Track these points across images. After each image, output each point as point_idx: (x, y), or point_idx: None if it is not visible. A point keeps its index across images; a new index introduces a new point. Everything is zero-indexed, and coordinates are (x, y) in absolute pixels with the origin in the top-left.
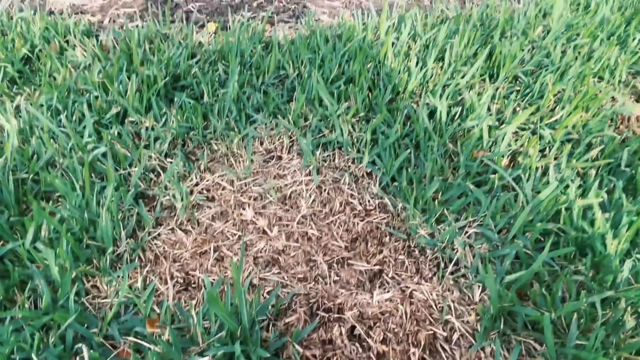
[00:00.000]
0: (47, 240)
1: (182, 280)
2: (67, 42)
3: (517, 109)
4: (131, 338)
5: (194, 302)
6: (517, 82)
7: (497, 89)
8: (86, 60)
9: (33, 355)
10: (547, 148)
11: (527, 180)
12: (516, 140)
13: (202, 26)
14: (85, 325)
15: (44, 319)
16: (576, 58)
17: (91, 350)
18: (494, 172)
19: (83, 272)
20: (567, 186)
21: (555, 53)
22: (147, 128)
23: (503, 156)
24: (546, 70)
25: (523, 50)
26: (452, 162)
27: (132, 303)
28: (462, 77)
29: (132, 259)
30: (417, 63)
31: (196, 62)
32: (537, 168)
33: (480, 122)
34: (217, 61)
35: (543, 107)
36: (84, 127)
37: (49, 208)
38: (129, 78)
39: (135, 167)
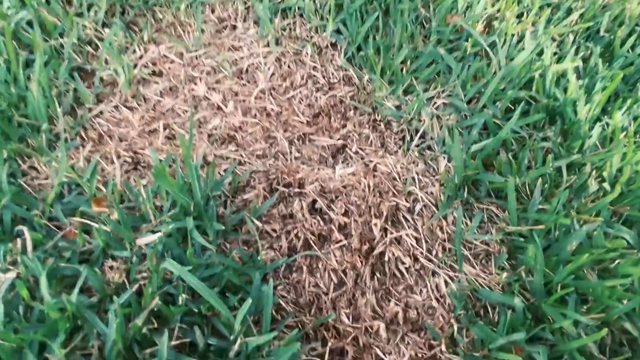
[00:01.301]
0: None
1: (130, 160)
2: None
3: None
4: (77, 218)
5: (143, 181)
6: None
7: None
8: None
9: None
10: (525, 13)
11: (502, 46)
12: (493, 4)
13: None
14: (26, 207)
15: None
16: None
17: (34, 232)
18: (467, 38)
19: (16, 151)
20: (542, 52)
21: None
22: None
23: (478, 21)
24: None
25: None
26: (424, 29)
27: (75, 183)
28: None
29: (72, 138)
30: None
31: None
32: (512, 35)
33: None
34: None
35: None
36: None
37: None
38: None
39: (68, 37)
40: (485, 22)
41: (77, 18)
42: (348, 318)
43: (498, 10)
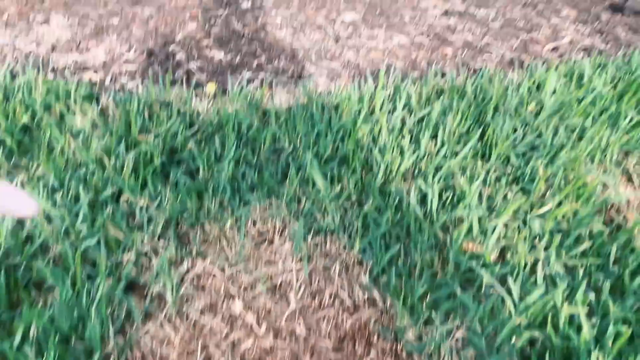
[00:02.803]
0: (35, 341)
1: None
2: (67, 107)
3: (509, 194)
4: None
5: None
6: (509, 163)
7: (488, 171)
8: (85, 127)
9: None
10: (538, 237)
11: (515, 279)
12: (505, 234)
13: (202, 86)
14: None
15: None
16: (568, 137)
17: None
18: (484, 264)
19: None
20: (556, 284)
21: (547, 133)
22: (141, 208)
23: (494, 250)
24: (538, 151)
25: (516, 130)
26: (442, 254)
27: None
28: (455, 155)
29: None
30: (410, 140)
31: (193, 134)
32: (525, 264)
33: (470, 213)
34: (214, 133)
35: (534, 194)
36: (80, 207)
37: (36, 309)
38: (127, 149)
39: (128, 252)
40: (498, 251)
41: (138, 232)
42: None
43: (511, 238)
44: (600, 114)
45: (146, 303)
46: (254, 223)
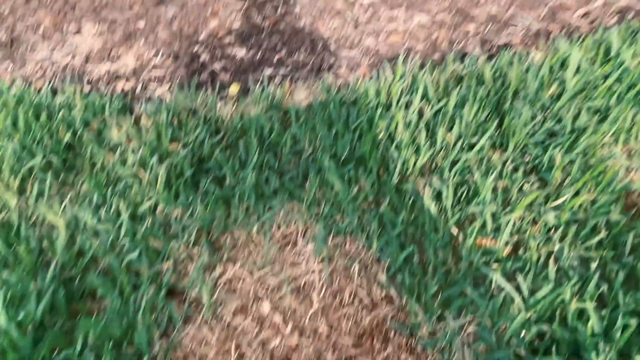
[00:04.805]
0: (94, 346)
1: None
2: (104, 121)
3: (525, 185)
4: None
5: None
6: (527, 153)
7: (505, 163)
8: (121, 140)
9: None
10: (553, 229)
11: (526, 274)
12: (520, 228)
13: (226, 87)
14: None
15: None
16: (590, 120)
17: None
18: (497, 259)
19: None
20: (569, 277)
21: (567, 117)
22: (176, 218)
23: (506, 243)
24: (557, 138)
25: (535, 117)
26: (455, 252)
27: None
28: (472, 148)
29: None
30: (427, 134)
31: (219, 142)
32: (539, 257)
33: (484, 208)
34: (238, 139)
35: (551, 184)
36: (122, 221)
37: (92, 321)
38: (160, 160)
39: (166, 260)
40: (511, 246)
41: (174, 241)
42: None
43: (525, 232)
44: (627, 91)
45: (185, 307)
46: (278, 227)
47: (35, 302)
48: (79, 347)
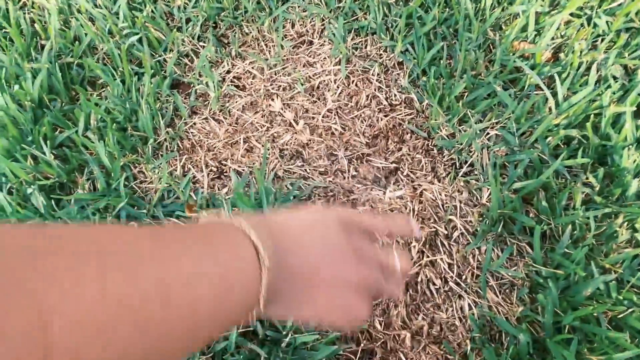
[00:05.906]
0: (96, 129)
1: (215, 169)
2: None
3: None
4: (173, 219)
5: (225, 190)
6: None
7: None
8: None
9: None
10: (600, 38)
11: (564, 80)
12: (565, 31)
13: None
14: (135, 207)
15: (102, 202)
16: None
17: None
18: (533, 66)
19: (130, 161)
20: (609, 86)
21: None
22: (178, 7)
23: (547, 48)
24: None
25: None
26: (489, 54)
27: (173, 189)
28: None
29: (171, 148)
30: None
31: None
32: (580, 64)
33: (529, 8)
34: None
35: None
36: (119, 7)
37: (94, 100)
38: None
39: (170, 52)
40: (554, 50)
41: (177, 33)
42: (380, 325)
43: (569, 38)
44: None
45: (191, 100)
46: (293, 24)
47: (31, 81)
48: (82, 127)
